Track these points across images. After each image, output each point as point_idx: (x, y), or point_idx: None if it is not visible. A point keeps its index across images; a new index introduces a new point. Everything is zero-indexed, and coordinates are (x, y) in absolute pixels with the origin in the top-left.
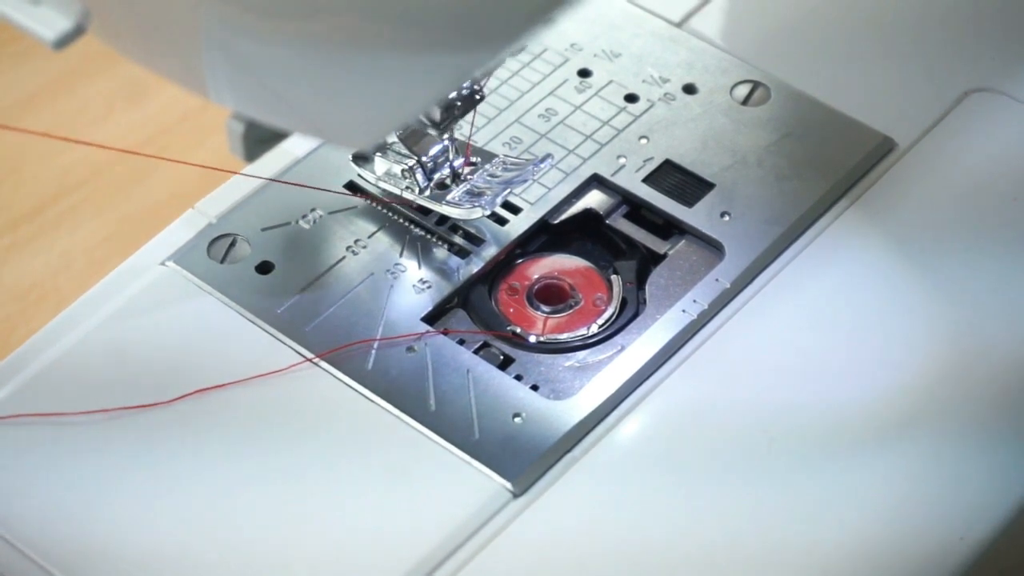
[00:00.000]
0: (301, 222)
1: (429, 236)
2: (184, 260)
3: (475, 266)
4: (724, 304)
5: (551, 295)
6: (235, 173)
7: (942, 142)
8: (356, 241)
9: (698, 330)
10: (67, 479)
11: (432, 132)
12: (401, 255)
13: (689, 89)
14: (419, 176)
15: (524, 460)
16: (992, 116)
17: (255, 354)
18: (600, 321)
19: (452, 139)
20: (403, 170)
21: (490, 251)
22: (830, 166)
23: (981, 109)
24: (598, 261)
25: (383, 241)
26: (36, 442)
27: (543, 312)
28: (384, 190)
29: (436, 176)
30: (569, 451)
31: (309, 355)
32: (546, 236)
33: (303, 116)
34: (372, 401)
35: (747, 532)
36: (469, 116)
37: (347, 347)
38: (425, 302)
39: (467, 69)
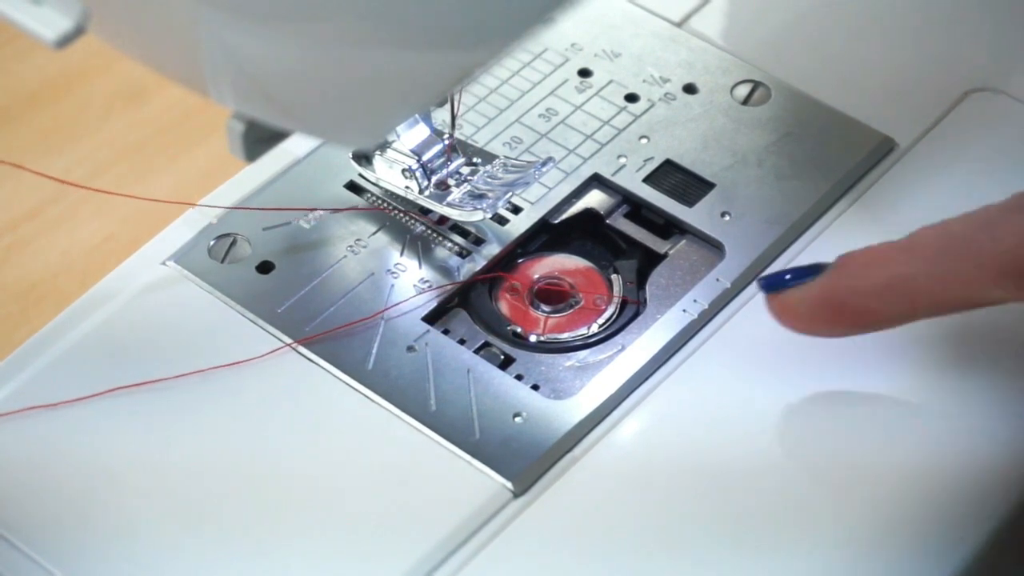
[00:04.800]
0: (301, 222)
1: (429, 235)
2: (184, 260)
3: (476, 266)
4: (724, 304)
5: (551, 295)
6: (192, 205)
7: (942, 142)
8: (356, 241)
9: (698, 330)
10: (67, 479)
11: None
12: (401, 255)
13: (689, 89)
14: (419, 176)
15: (524, 460)
16: (992, 116)
17: (255, 354)
18: (600, 321)
19: (452, 139)
20: (403, 170)
21: (491, 251)
22: (830, 166)
23: (981, 109)
24: (598, 261)
25: (383, 241)
26: (35, 442)
27: (543, 312)
28: (384, 190)
29: (436, 176)
30: (569, 451)
31: (289, 340)
32: (547, 236)
33: (303, 116)
34: (372, 401)
35: (747, 531)
36: (470, 116)
37: (329, 333)
38: (425, 302)
39: (467, 69)
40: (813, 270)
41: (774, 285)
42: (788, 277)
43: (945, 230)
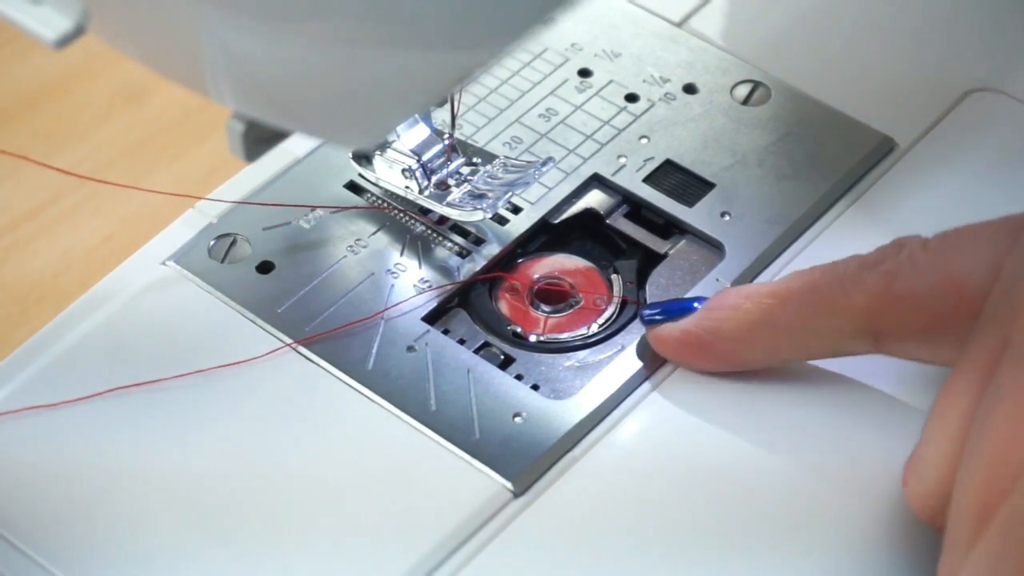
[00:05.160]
0: (301, 222)
1: (429, 235)
2: (184, 260)
3: (476, 266)
4: None
5: (551, 295)
6: (199, 198)
7: (942, 142)
8: (356, 241)
9: None
10: (67, 479)
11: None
12: (401, 255)
13: (689, 89)
14: (419, 176)
15: (524, 460)
16: (992, 116)
17: (256, 354)
18: (600, 321)
19: (452, 139)
20: (403, 170)
21: (491, 251)
22: (830, 166)
23: (981, 109)
24: (598, 261)
25: (383, 241)
26: (35, 441)
27: (543, 312)
28: (384, 190)
29: (436, 176)
30: (569, 451)
31: (289, 340)
32: (546, 236)
33: (303, 116)
34: (372, 401)
35: (747, 532)
36: (470, 116)
37: (329, 333)
38: (425, 302)
39: (467, 69)
40: (689, 306)
41: (652, 318)
42: (664, 311)
43: (810, 280)
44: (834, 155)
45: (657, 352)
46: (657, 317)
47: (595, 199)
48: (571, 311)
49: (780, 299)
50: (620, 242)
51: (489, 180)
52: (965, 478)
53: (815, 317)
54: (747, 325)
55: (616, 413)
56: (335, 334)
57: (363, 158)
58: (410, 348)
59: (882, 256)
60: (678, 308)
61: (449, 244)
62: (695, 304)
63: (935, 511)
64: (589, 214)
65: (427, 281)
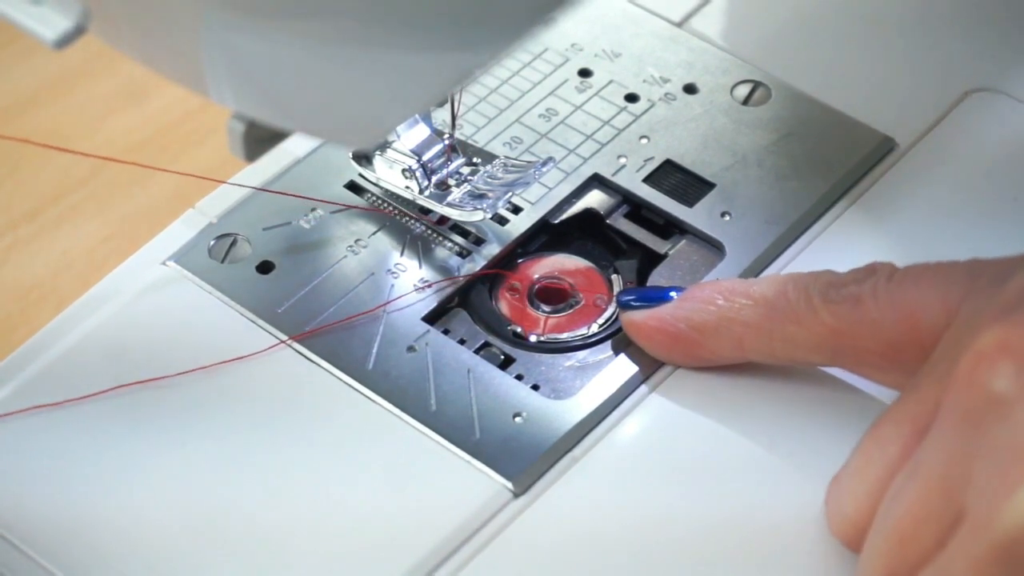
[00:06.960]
0: (301, 222)
1: (429, 235)
2: (184, 260)
3: (476, 266)
4: None
5: (552, 295)
6: (222, 183)
7: (942, 142)
8: (356, 241)
9: None
10: (66, 478)
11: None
12: (401, 255)
13: (689, 89)
14: (419, 176)
15: (524, 460)
16: (992, 116)
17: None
18: (600, 321)
19: (452, 139)
20: (403, 170)
21: (491, 251)
22: (830, 166)
23: (981, 109)
24: (599, 261)
25: (383, 241)
26: (35, 442)
27: (543, 312)
28: (384, 190)
29: (436, 176)
30: (569, 451)
31: (283, 337)
32: (546, 236)
33: (303, 116)
34: (372, 401)
35: (747, 532)
36: (470, 116)
37: (328, 327)
38: (425, 302)
39: (467, 69)
40: (665, 295)
41: (627, 303)
42: (640, 297)
43: (782, 288)
44: (834, 155)
45: (628, 335)
46: (633, 302)
47: (595, 199)
48: (571, 311)
49: (752, 300)
50: (620, 242)
51: (489, 180)
52: (876, 540)
53: (780, 324)
54: (716, 320)
55: (616, 413)
56: (336, 335)
57: (363, 158)
58: (410, 348)
59: (852, 278)
60: (654, 296)
61: (449, 244)
62: (671, 294)
63: (851, 538)
64: (589, 214)
65: (427, 281)
